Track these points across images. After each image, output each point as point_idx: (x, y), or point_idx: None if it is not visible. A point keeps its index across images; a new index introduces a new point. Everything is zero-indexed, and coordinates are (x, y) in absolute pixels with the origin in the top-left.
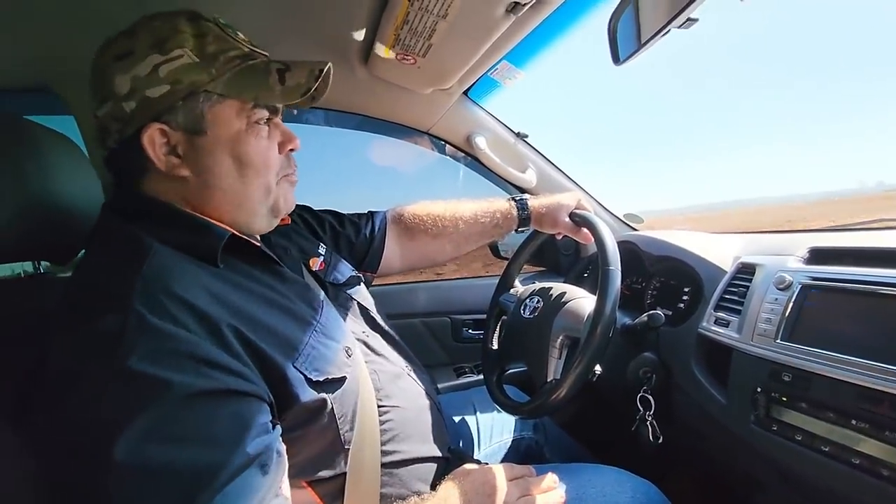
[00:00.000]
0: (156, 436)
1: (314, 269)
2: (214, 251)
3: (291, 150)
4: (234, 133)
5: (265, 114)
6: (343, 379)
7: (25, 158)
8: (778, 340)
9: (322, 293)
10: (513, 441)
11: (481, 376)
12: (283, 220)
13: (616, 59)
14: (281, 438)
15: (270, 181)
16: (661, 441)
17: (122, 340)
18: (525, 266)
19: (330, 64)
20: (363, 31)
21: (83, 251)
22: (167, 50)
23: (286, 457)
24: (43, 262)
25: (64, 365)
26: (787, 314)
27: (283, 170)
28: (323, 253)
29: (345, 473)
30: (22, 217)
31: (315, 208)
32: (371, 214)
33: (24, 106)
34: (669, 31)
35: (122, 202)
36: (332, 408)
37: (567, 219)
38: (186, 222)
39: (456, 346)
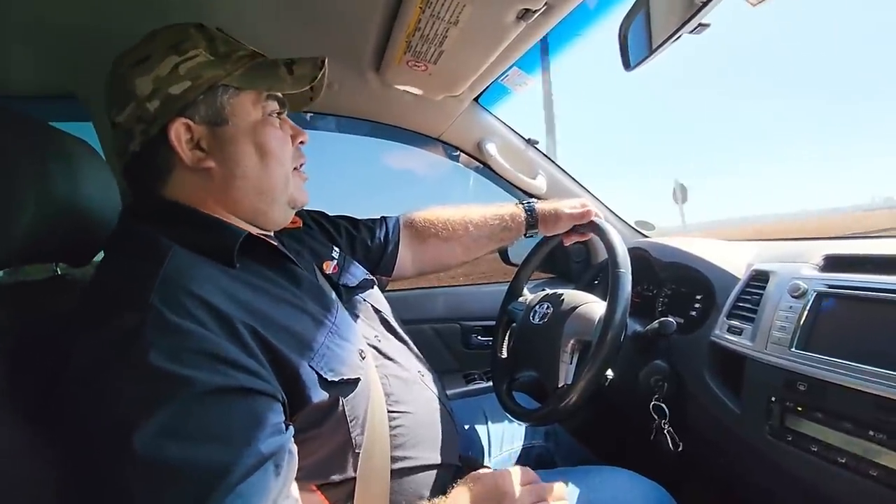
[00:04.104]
0: (173, 432)
1: (327, 272)
2: (231, 252)
3: (301, 142)
4: (253, 123)
5: (276, 106)
6: (357, 381)
7: (51, 164)
8: (793, 349)
9: (335, 295)
10: (523, 449)
11: (491, 383)
12: (294, 221)
13: (627, 65)
14: (293, 440)
15: (288, 170)
16: (681, 448)
17: (141, 337)
18: (536, 273)
19: (326, 58)
20: (375, 39)
21: (100, 253)
22: (183, 50)
23: (297, 458)
24: (59, 264)
25: (85, 361)
26: (801, 322)
27: (295, 160)
28: (336, 257)
29: (355, 478)
30: (46, 220)
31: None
32: (384, 219)
33: (41, 112)
34: (681, 36)
35: (143, 206)
36: (344, 410)
37: (572, 222)
38: (204, 223)
39: (465, 352)
